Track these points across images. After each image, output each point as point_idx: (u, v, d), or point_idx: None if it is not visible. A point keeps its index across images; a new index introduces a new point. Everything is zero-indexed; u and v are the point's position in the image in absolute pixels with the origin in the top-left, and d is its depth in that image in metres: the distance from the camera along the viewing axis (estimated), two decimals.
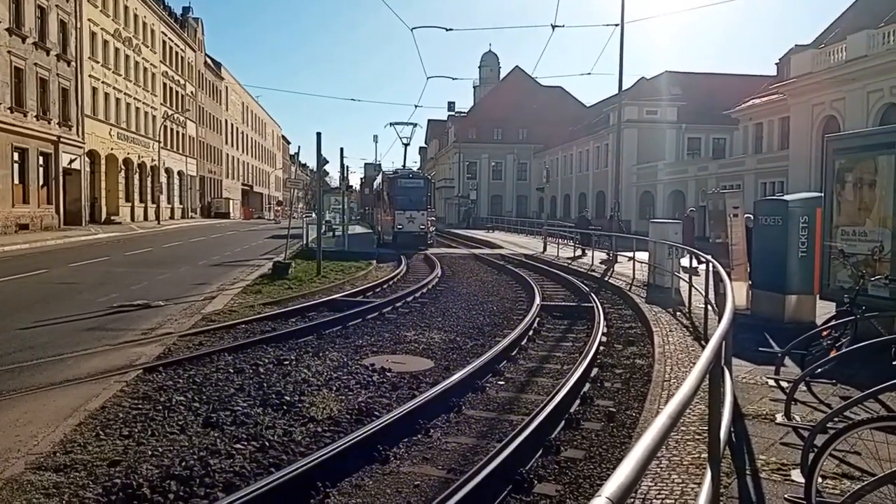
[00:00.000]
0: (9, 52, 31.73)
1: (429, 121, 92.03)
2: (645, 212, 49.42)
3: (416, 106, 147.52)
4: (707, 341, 9.00)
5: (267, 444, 5.85)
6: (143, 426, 6.26)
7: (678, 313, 11.88)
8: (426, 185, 31.81)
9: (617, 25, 23.24)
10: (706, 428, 5.11)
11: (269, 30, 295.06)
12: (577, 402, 7.30)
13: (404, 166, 37.09)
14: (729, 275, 8.75)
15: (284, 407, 6.85)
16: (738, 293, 10.48)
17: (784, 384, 6.77)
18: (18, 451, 5.61)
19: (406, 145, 35.38)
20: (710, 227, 13.50)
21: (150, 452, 5.64)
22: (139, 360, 8.80)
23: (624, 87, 25.66)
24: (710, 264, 9.84)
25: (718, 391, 3.33)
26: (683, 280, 12.90)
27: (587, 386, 7.95)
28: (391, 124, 35.03)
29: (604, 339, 10.61)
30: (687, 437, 5.39)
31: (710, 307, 9.50)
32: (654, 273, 15.86)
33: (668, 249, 14.92)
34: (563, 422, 6.56)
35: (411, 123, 34.89)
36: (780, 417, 5.90)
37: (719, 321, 4.75)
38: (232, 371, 8.26)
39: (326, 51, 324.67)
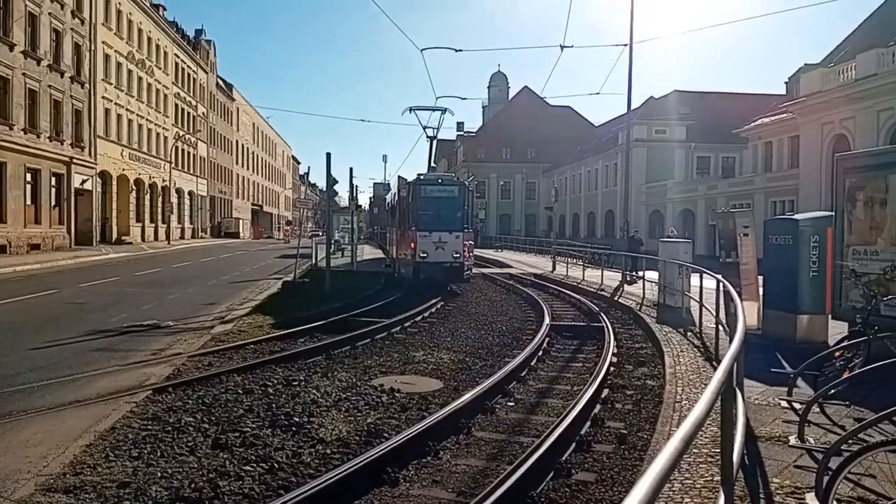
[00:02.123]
0: (23, 74, 32.16)
1: (438, 140, 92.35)
2: (654, 231, 49.32)
3: (424, 126, 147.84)
4: (718, 362, 8.94)
5: (276, 465, 5.83)
6: (152, 447, 6.25)
7: (689, 333, 11.81)
8: (463, 193, 21.23)
9: (626, 46, 23.35)
10: (718, 450, 5.05)
11: (280, 51, 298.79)
12: (588, 423, 7.24)
13: (431, 168, 25.92)
14: (739, 294, 8.70)
15: (293, 428, 6.83)
16: (748, 313, 10.42)
17: (797, 406, 6.70)
18: (28, 472, 5.60)
19: (432, 139, 25.36)
20: (721, 246, 13.44)
21: (159, 474, 5.62)
22: (149, 380, 8.81)
23: (633, 107, 25.74)
24: (721, 284, 9.80)
25: (731, 413, 3.30)
26: (694, 300, 12.85)
27: (598, 407, 7.89)
28: (411, 110, 24.81)
29: (614, 359, 10.55)
30: (699, 460, 5.33)
31: (721, 327, 9.45)
32: (665, 293, 15.79)
33: (678, 269, 14.87)
34: (573, 444, 6.51)
35: (439, 108, 24.35)
36: (793, 440, 5.83)
37: (731, 342, 4.72)
38: (241, 392, 8.26)
39: (336, 71, 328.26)
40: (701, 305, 11.80)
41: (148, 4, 51.23)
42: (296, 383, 8.66)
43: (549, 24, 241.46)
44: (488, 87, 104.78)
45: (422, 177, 22.30)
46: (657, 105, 55.11)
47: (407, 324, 14.01)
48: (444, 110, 24.31)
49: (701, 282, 12.11)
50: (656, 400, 8.04)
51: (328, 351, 10.87)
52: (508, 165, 78.57)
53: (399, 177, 24.58)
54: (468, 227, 21.27)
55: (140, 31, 49.60)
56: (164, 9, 57.65)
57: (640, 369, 10.03)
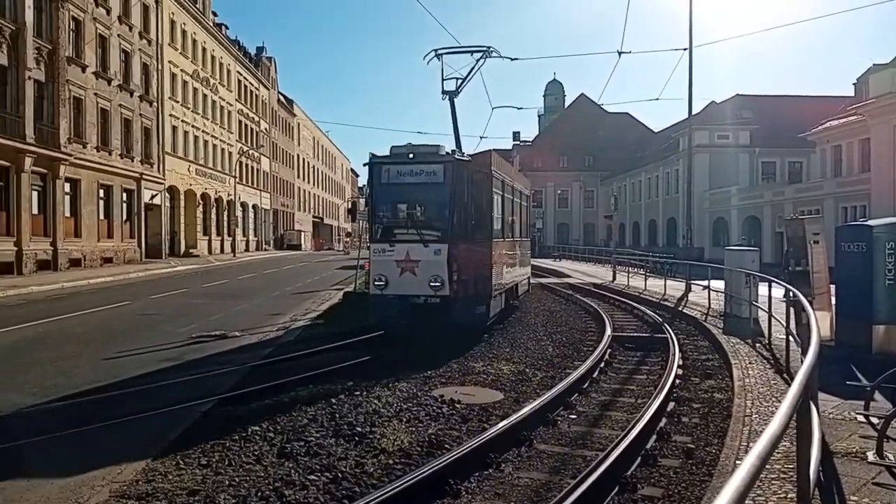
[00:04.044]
0: (95, 94, 33.58)
1: (494, 150, 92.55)
2: (718, 238, 48.15)
3: (481, 137, 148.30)
4: (789, 374, 8.67)
5: (340, 475, 5.88)
6: (220, 456, 6.39)
7: (757, 345, 11.46)
8: (453, 175, 12.76)
9: (685, 50, 22.98)
10: (791, 466, 4.89)
11: (339, 65, 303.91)
12: (654, 437, 7.09)
13: (458, 145, 17.08)
14: (811, 304, 8.41)
15: (356, 438, 6.89)
16: (821, 323, 10.05)
17: (875, 420, 6.42)
18: (103, 479, 5.80)
19: (450, 94, 16.54)
20: (789, 254, 13.04)
21: (227, 482, 5.74)
22: (216, 389, 8.99)
23: (693, 112, 25.26)
24: (791, 293, 9.49)
25: (806, 428, 3.19)
26: (762, 310, 12.47)
27: (663, 421, 7.72)
28: (436, 54, 16.16)
29: (679, 371, 10.31)
30: (771, 476, 5.15)
31: (791, 338, 9.14)
32: (731, 302, 15.37)
33: (744, 278, 14.46)
34: (639, 458, 6.38)
35: (480, 49, 16.16)
36: (871, 456, 5.59)
37: (803, 353, 4.56)
38: (305, 401, 8.37)
39: (392, 84, 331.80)
40: (770, 315, 11.45)
41: (211, 24, 52.92)
42: (358, 393, 8.74)
43: (606, 31, 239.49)
44: (544, 96, 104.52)
45: (393, 151, 13.42)
46: (718, 109, 53.84)
47: (465, 335, 13.93)
48: (485, 50, 16.08)
49: (770, 291, 11.75)
50: (724, 414, 7.82)
51: (389, 361, 10.93)
52: (566, 174, 77.87)
53: (371, 154, 13.75)
54: (463, 233, 12.88)
55: (204, 50, 51.22)
56: (227, 28, 59.48)
57: (707, 382, 9.77)
